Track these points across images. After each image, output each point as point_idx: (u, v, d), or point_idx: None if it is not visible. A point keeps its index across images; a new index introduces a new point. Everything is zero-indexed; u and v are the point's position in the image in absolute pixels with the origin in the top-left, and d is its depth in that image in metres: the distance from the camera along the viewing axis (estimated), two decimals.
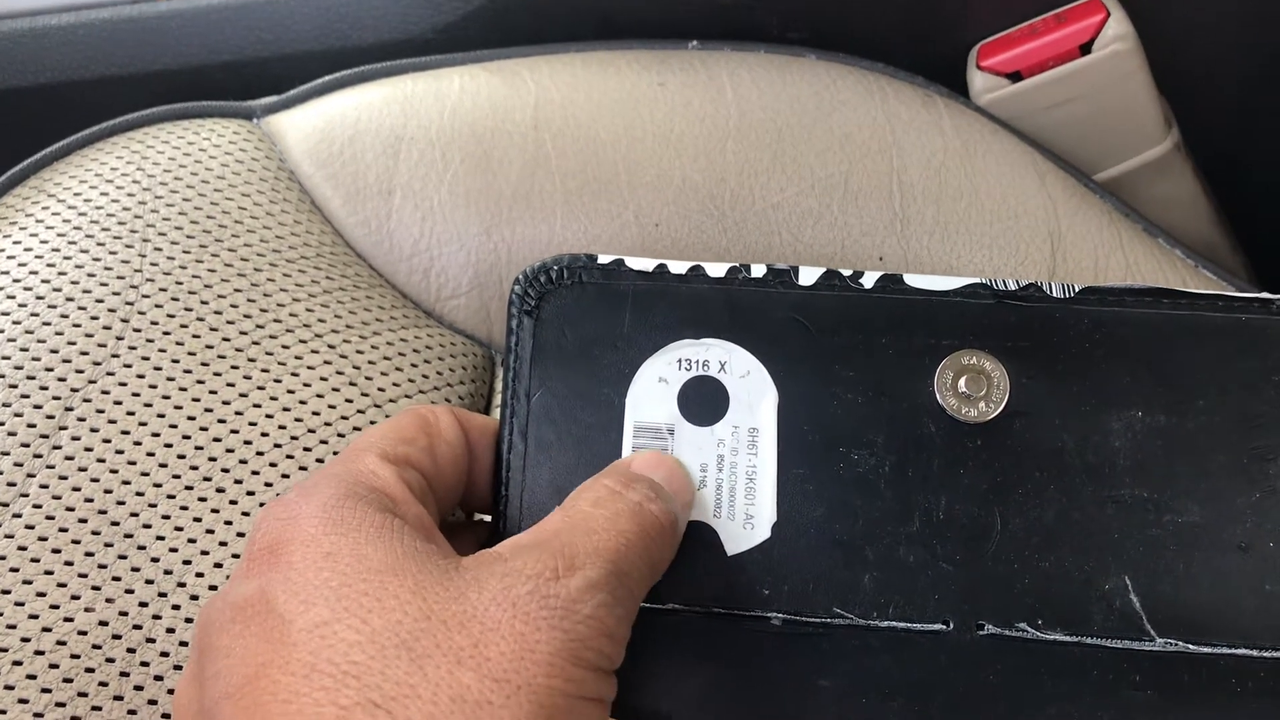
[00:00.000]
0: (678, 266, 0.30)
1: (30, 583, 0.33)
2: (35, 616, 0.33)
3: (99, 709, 0.32)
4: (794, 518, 0.29)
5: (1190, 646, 0.28)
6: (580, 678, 0.23)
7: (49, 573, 0.33)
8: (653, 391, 0.30)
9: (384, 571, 0.23)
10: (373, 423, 0.38)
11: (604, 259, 0.30)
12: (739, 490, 0.29)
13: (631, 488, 0.27)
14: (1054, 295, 0.29)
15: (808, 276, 0.30)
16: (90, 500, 0.34)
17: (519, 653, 0.22)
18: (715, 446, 0.29)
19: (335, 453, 0.37)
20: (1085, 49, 0.46)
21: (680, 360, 0.30)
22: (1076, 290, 0.29)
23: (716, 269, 0.30)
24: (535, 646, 0.23)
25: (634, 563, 0.25)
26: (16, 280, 0.38)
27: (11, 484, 0.34)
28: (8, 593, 0.33)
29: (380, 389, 0.38)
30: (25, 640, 0.32)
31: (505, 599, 0.23)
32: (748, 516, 0.29)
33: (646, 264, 0.30)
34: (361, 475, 0.26)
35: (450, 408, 0.30)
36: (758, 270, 0.30)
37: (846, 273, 0.30)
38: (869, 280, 0.30)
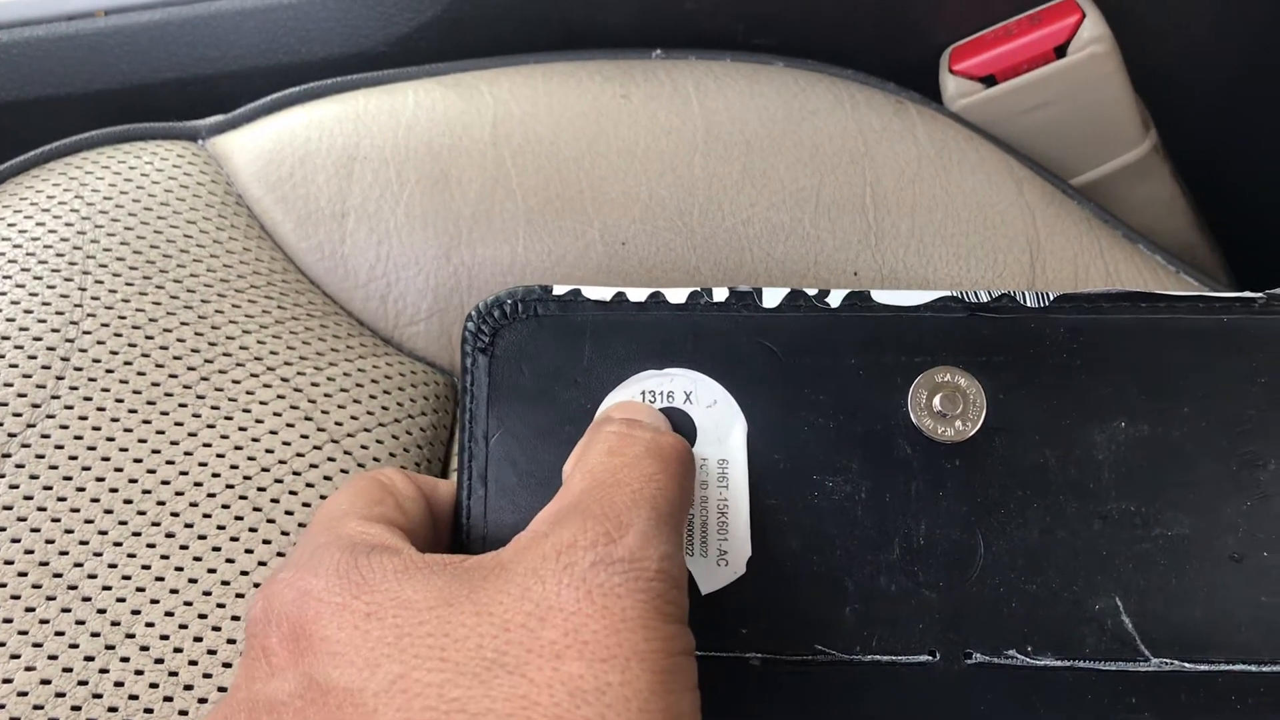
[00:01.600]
0: (637, 294, 0.29)
1: None
2: None
3: None
4: (769, 551, 0.28)
5: (1186, 665, 0.27)
6: (672, 633, 0.22)
7: None
8: None
9: (436, 606, 0.22)
10: (330, 459, 0.36)
11: (559, 289, 0.29)
12: (711, 525, 0.28)
13: (637, 425, 0.26)
14: (1028, 305, 0.29)
15: (771, 298, 0.29)
16: (30, 551, 0.33)
17: (613, 626, 0.21)
18: None
19: (292, 492, 0.35)
20: (1060, 51, 0.45)
21: (644, 393, 0.29)
22: (1051, 299, 0.29)
23: (677, 295, 0.29)
24: (625, 615, 0.22)
25: (670, 502, 0.24)
26: None
27: None
28: None
29: (337, 423, 0.37)
30: None
31: (572, 579, 0.22)
32: (721, 553, 0.28)
33: (604, 293, 0.29)
34: (356, 536, 0.25)
35: (397, 469, 0.28)
36: (720, 294, 0.29)
37: (811, 292, 0.29)
38: (835, 299, 0.29)
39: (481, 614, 0.22)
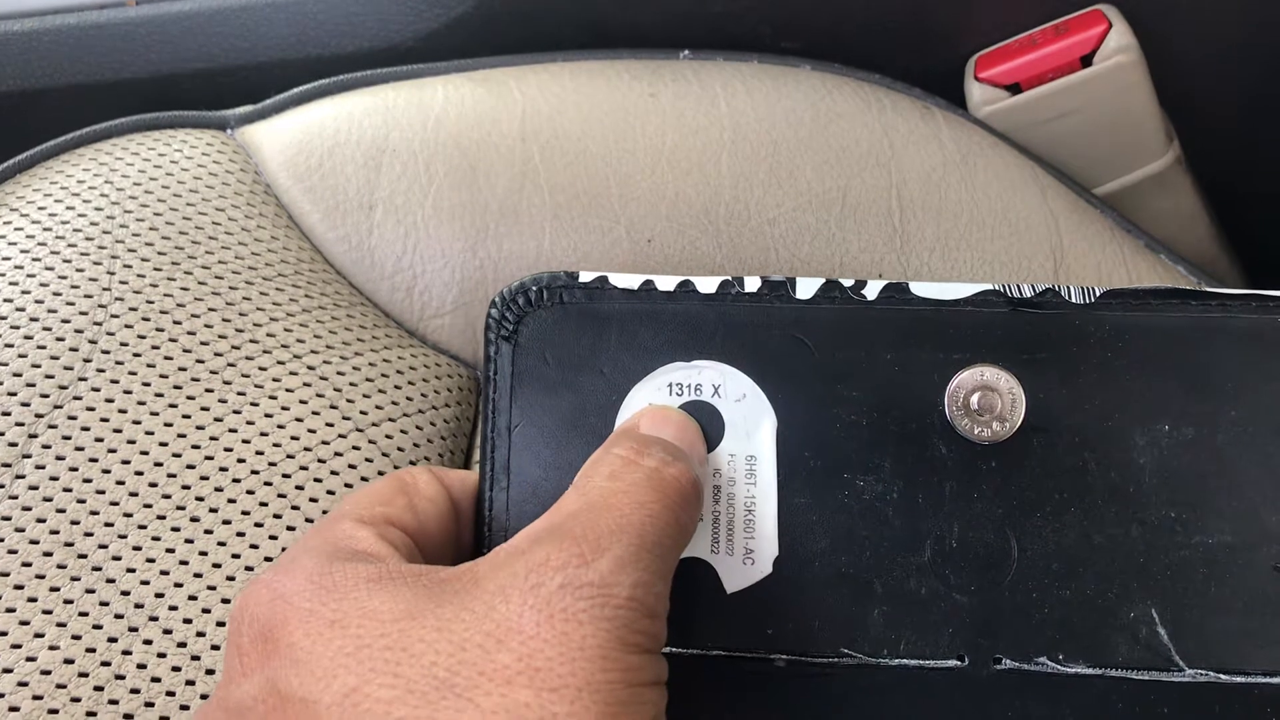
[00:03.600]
0: (665, 283, 0.28)
1: None
2: None
3: None
4: (797, 551, 0.27)
5: (1221, 676, 0.26)
6: (635, 664, 0.22)
7: (10, 610, 0.32)
8: None
9: (400, 619, 0.22)
10: (355, 448, 0.36)
11: (586, 277, 0.28)
12: (738, 523, 0.27)
13: (645, 453, 0.25)
14: (1073, 301, 0.28)
15: (806, 289, 0.28)
16: (56, 533, 0.33)
17: (568, 655, 0.21)
18: (711, 477, 0.28)
19: (316, 479, 0.35)
20: (1086, 61, 0.46)
21: (671, 385, 0.28)
22: (1097, 295, 0.28)
23: (707, 284, 0.28)
24: (583, 643, 0.21)
25: (661, 533, 0.24)
26: None
27: None
28: None
29: (362, 412, 0.37)
30: None
31: (537, 601, 0.22)
32: (747, 551, 0.27)
33: (632, 281, 0.28)
34: (340, 540, 0.25)
35: (428, 467, 0.28)
36: (752, 284, 0.28)
37: (848, 283, 0.28)
38: (872, 291, 0.28)
39: (442, 630, 0.22)
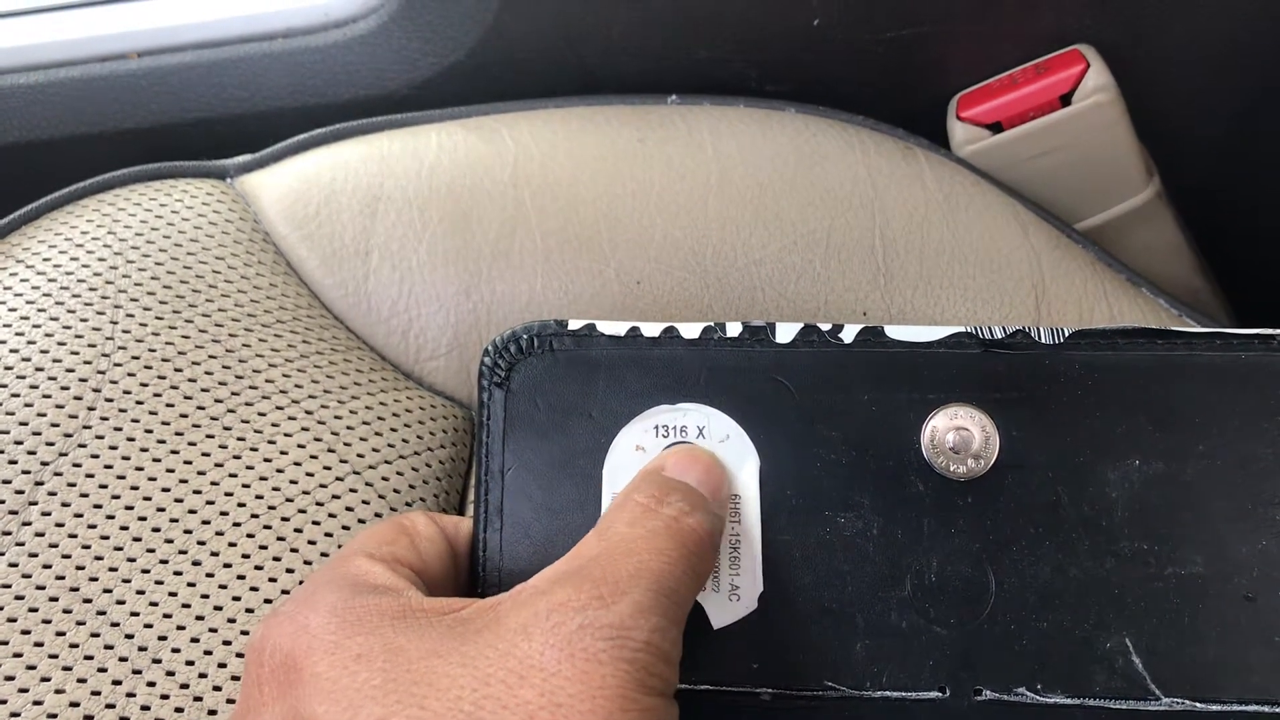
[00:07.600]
0: (651, 329, 0.29)
1: None
2: (3, 701, 0.31)
3: None
4: (781, 587, 0.28)
5: (1198, 705, 0.27)
6: (651, 705, 0.22)
7: (17, 655, 0.32)
8: (630, 461, 0.29)
9: (426, 656, 0.23)
10: (352, 490, 0.37)
11: (574, 324, 0.29)
12: (723, 561, 0.28)
13: (666, 501, 0.26)
14: (1042, 341, 0.29)
15: (785, 334, 0.29)
16: (61, 577, 0.33)
17: (589, 693, 0.22)
18: None
19: (314, 522, 0.36)
20: (1066, 100, 0.46)
21: (657, 427, 0.29)
22: (1066, 335, 0.29)
23: (690, 330, 0.29)
24: (604, 682, 0.22)
25: (678, 580, 0.24)
26: None
27: None
28: None
29: (359, 455, 0.38)
30: None
31: (558, 640, 0.22)
32: (733, 588, 0.28)
33: (619, 328, 0.29)
34: (359, 575, 0.25)
35: (423, 511, 0.29)
36: (733, 329, 0.29)
37: (825, 327, 0.29)
38: (849, 334, 0.29)
39: (466, 665, 0.22)
